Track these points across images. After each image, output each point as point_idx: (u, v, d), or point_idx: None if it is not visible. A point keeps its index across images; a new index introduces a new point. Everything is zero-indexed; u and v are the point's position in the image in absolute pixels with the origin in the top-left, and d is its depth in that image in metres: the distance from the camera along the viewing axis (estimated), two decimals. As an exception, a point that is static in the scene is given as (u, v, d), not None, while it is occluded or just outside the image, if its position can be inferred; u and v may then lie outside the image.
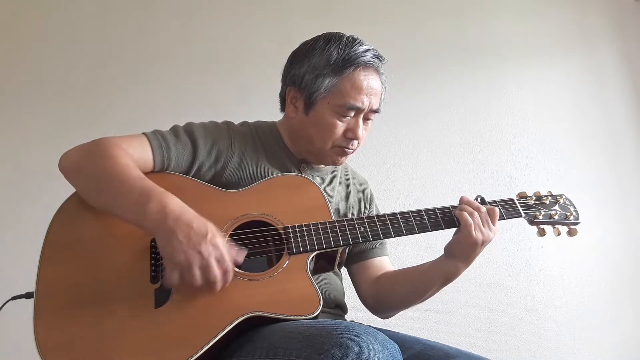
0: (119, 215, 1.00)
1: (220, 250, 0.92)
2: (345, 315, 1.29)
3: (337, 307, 1.25)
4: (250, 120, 1.30)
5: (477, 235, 1.10)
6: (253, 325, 0.96)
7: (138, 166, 1.05)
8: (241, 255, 0.97)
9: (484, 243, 1.12)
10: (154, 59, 2.13)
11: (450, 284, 1.19)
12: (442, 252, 1.18)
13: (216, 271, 0.91)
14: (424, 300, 1.24)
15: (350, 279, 1.35)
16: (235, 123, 1.27)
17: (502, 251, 2.18)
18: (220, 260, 0.92)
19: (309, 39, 1.22)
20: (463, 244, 1.12)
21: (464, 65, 2.41)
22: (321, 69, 1.15)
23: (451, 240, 1.16)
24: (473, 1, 2.49)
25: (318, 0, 2.33)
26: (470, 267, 1.17)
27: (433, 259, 1.21)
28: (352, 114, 1.17)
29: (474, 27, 2.46)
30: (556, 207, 1.24)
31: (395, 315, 1.34)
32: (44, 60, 2.05)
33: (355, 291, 1.34)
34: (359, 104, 1.15)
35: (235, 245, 0.99)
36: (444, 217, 1.15)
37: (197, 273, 0.90)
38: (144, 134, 1.13)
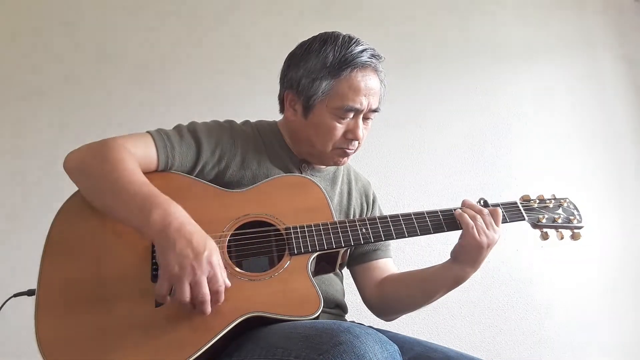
0: (120, 220, 0.99)
1: (215, 270, 0.90)
2: (346, 316, 1.29)
3: (337, 307, 1.25)
4: (252, 119, 1.29)
5: (482, 238, 1.09)
6: (253, 325, 0.96)
7: (142, 165, 1.05)
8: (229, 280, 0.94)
9: (489, 246, 1.10)
10: (155, 59, 2.13)
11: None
12: (447, 254, 1.17)
13: (205, 290, 0.89)
14: (429, 303, 1.23)
15: (353, 281, 1.34)
16: (238, 122, 1.27)
17: (502, 251, 2.17)
18: (212, 280, 0.90)
19: (305, 40, 1.21)
20: (468, 248, 1.11)
21: (464, 66, 2.40)
22: (317, 72, 1.14)
23: (456, 244, 1.14)
24: (473, 2, 2.48)
25: (318, 0, 2.32)
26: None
27: (434, 259, 1.20)
28: (351, 115, 1.16)
29: (474, 27, 2.45)
30: (559, 211, 1.22)
31: (395, 316, 1.34)
32: (45, 60, 2.05)
33: (357, 292, 1.33)
34: (358, 105, 1.14)
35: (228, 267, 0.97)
36: (446, 220, 1.14)
37: (187, 289, 0.88)
38: (148, 132, 1.13)
